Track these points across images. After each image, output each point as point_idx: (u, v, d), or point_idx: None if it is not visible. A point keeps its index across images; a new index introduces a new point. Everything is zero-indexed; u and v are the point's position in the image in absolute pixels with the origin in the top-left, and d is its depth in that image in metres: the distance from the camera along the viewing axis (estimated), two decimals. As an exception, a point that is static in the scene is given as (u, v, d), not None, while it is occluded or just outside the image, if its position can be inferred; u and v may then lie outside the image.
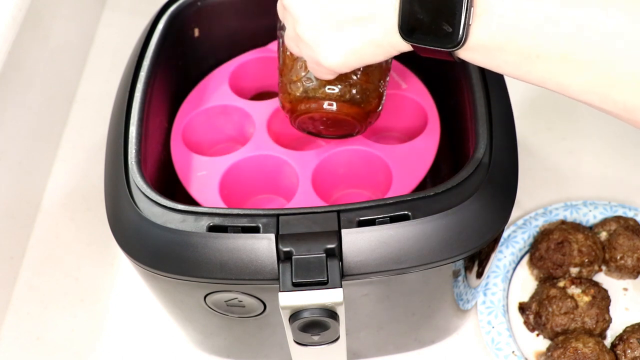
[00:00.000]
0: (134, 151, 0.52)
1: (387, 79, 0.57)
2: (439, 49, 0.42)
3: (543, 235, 0.69)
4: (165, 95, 0.63)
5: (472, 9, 0.39)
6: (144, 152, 0.53)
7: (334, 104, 0.55)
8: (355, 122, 0.57)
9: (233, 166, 0.60)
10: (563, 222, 0.71)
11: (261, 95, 0.71)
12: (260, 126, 0.63)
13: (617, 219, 0.70)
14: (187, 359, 0.67)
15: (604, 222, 0.70)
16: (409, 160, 0.60)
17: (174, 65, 0.64)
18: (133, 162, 0.52)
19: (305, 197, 0.58)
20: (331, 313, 0.45)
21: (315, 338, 0.48)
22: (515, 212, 0.72)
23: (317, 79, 0.54)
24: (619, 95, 0.38)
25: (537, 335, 0.66)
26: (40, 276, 0.73)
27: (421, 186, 0.59)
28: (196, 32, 0.67)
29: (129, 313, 0.70)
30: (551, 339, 0.64)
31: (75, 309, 0.70)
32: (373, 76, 0.55)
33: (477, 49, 0.41)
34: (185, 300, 0.52)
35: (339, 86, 0.54)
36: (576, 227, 0.69)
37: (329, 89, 0.54)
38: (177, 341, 0.68)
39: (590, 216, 0.72)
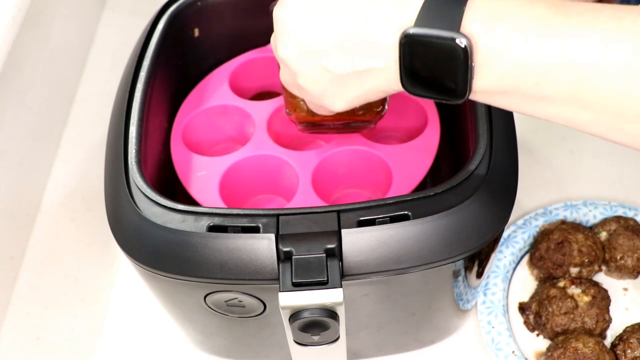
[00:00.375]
0: (134, 151, 0.52)
1: None
2: (443, 100, 0.42)
3: (543, 235, 0.69)
4: (165, 95, 0.63)
5: (472, 64, 0.39)
6: (144, 152, 0.53)
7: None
8: (363, 125, 0.58)
9: (233, 166, 0.60)
10: (563, 222, 0.71)
11: (261, 95, 0.71)
12: (260, 126, 0.63)
13: (617, 219, 0.70)
14: (187, 359, 0.67)
15: (604, 222, 0.70)
16: (409, 160, 0.60)
17: (174, 65, 0.64)
18: (133, 162, 0.52)
19: (305, 197, 0.58)
20: (331, 313, 0.45)
21: (315, 338, 0.48)
22: (515, 212, 0.72)
23: None
24: (629, 125, 0.38)
25: (537, 335, 0.66)
26: (40, 276, 0.73)
27: (421, 186, 0.59)
28: (196, 32, 0.67)
29: (129, 313, 0.70)
30: (551, 339, 0.64)
31: (75, 309, 0.70)
32: None
33: (480, 94, 0.41)
34: (185, 300, 0.52)
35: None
36: (576, 227, 0.69)
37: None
38: (177, 341, 0.68)
39: (590, 216, 0.72)
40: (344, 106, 0.46)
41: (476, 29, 0.39)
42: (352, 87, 0.44)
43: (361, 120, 0.56)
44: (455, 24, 0.39)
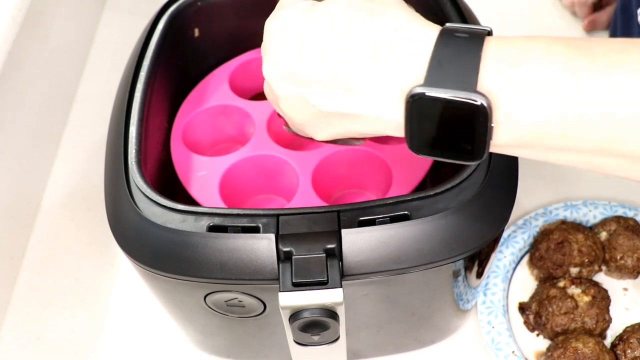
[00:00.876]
0: (134, 151, 0.52)
1: None
2: (457, 162, 0.38)
3: (543, 235, 0.69)
4: (165, 95, 0.63)
5: (492, 125, 0.35)
6: (144, 152, 0.53)
7: None
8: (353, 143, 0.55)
9: (233, 166, 0.60)
10: (563, 222, 0.71)
11: (261, 95, 0.70)
12: (260, 126, 0.63)
13: (617, 219, 0.70)
14: (187, 359, 0.67)
15: (604, 222, 0.70)
16: (409, 160, 0.60)
17: (174, 65, 0.64)
18: (133, 162, 0.52)
19: (305, 197, 0.58)
20: (331, 313, 0.45)
21: (315, 338, 0.48)
22: (515, 212, 0.72)
23: None
24: None
25: (537, 335, 0.66)
26: (40, 276, 0.73)
27: (421, 186, 0.59)
28: (196, 32, 0.67)
29: (129, 313, 0.70)
30: (551, 339, 0.64)
31: (75, 309, 0.70)
32: None
33: (499, 148, 0.37)
34: (185, 300, 0.52)
35: None
36: (576, 227, 0.69)
37: None
38: (177, 341, 0.68)
39: (590, 216, 0.72)
40: (327, 138, 0.43)
41: (494, 83, 0.35)
42: (336, 126, 0.40)
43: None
44: (471, 80, 0.35)
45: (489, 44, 0.36)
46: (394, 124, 0.38)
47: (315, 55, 0.38)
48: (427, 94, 0.35)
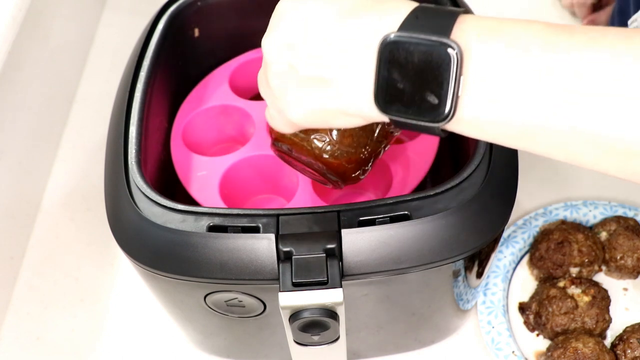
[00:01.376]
0: (134, 151, 0.52)
1: (380, 147, 0.52)
2: (422, 123, 0.37)
3: (543, 235, 0.69)
4: (165, 95, 0.63)
5: (461, 77, 0.34)
6: (144, 152, 0.53)
7: (307, 154, 0.51)
8: (331, 178, 0.53)
9: (233, 166, 0.60)
10: (563, 222, 0.71)
11: (261, 95, 0.71)
12: (260, 126, 0.63)
13: (617, 219, 0.70)
14: (187, 359, 0.67)
15: (604, 222, 0.70)
16: (409, 160, 0.60)
17: (174, 65, 0.64)
18: (133, 162, 0.52)
19: (305, 197, 0.58)
20: (331, 313, 0.45)
21: (315, 338, 0.48)
22: (515, 212, 0.71)
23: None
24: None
25: (537, 335, 0.66)
26: (40, 276, 0.73)
27: (421, 186, 0.59)
28: (196, 32, 0.67)
29: (129, 313, 0.70)
30: (551, 339, 0.64)
31: (75, 309, 0.70)
32: (355, 138, 0.50)
33: (468, 123, 0.36)
34: (185, 300, 0.52)
35: (314, 136, 0.50)
36: (576, 227, 0.69)
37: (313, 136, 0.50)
38: (177, 341, 0.68)
39: (590, 216, 0.72)
40: (301, 117, 0.42)
41: (468, 39, 0.34)
42: (313, 96, 0.40)
43: (326, 166, 0.51)
44: (445, 30, 0.34)
45: (464, 14, 0.36)
46: (366, 88, 0.37)
47: (305, 21, 0.40)
48: (399, 38, 0.35)
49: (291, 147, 0.51)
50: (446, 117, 0.35)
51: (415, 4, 0.37)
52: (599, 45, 0.32)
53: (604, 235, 0.70)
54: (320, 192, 0.58)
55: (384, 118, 0.38)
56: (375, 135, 0.51)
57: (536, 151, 0.36)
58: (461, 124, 0.36)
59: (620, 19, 0.80)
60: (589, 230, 0.69)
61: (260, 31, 0.69)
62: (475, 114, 0.35)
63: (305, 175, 0.56)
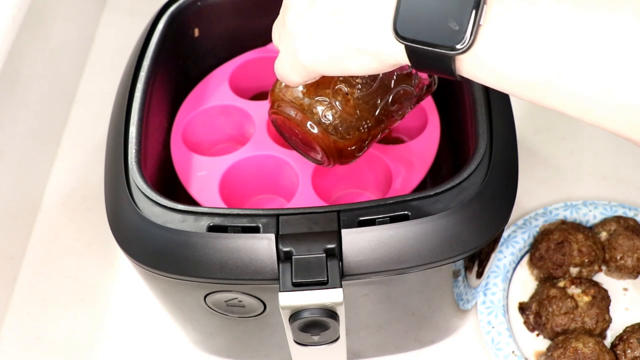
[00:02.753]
0: (134, 151, 0.52)
1: (379, 128, 0.52)
2: (439, 50, 0.36)
3: (543, 235, 0.69)
4: (165, 95, 0.63)
5: (485, 5, 0.34)
6: (144, 152, 0.53)
7: (306, 120, 0.51)
8: (321, 150, 0.52)
9: (233, 166, 0.60)
10: (563, 222, 0.71)
11: (261, 95, 0.71)
12: (260, 126, 0.63)
13: (617, 219, 0.70)
14: (187, 359, 0.67)
15: (604, 222, 0.70)
16: (409, 160, 0.60)
17: (174, 65, 0.64)
18: (133, 162, 0.52)
19: (305, 197, 0.58)
20: (331, 313, 0.45)
21: (315, 338, 0.48)
22: (515, 212, 0.71)
23: (305, 87, 0.50)
24: None
25: (537, 335, 0.66)
26: (40, 276, 0.73)
27: (421, 186, 0.59)
28: (196, 32, 0.67)
29: (129, 313, 0.70)
30: (551, 339, 0.64)
31: (75, 309, 0.70)
32: (358, 109, 0.50)
33: (484, 62, 0.36)
34: (185, 300, 0.52)
35: (317, 99, 0.50)
36: (576, 227, 0.69)
37: (305, 96, 0.50)
38: (177, 341, 0.68)
39: (590, 216, 0.72)
40: (315, 57, 0.41)
41: None
42: (331, 31, 0.39)
43: (322, 138, 0.51)
44: None
45: None
46: (384, 18, 0.37)
47: None
48: None
49: (292, 110, 0.51)
50: (464, 44, 0.35)
51: None
52: (626, 6, 0.32)
53: (604, 235, 0.70)
54: (320, 192, 0.58)
55: (401, 51, 0.37)
56: (377, 112, 0.50)
57: (547, 103, 0.35)
58: (477, 63, 0.36)
59: None
60: (589, 230, 0.69)
61: (260, 31, 0.70)
62: (492, 52, 0.35)
63: (298, 151, 0.56)
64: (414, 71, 0.52)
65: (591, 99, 0.34)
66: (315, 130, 0.51)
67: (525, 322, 0.66)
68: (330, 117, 0.50)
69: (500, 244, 0.60)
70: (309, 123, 0.51)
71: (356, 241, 0.46)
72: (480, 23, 0.34)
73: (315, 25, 0.40)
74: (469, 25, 0.35)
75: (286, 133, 0.55)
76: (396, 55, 0.38)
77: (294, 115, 0.51)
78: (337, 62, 0.41)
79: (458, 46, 0.35)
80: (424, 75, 0.53)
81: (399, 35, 0.37)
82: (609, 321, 0.64)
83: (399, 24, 0.37)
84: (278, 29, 0.45)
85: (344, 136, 0.51)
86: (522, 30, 0.34)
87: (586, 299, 0.64)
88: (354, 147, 0.52)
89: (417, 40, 0.37)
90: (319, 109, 0.50)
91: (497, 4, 0.34)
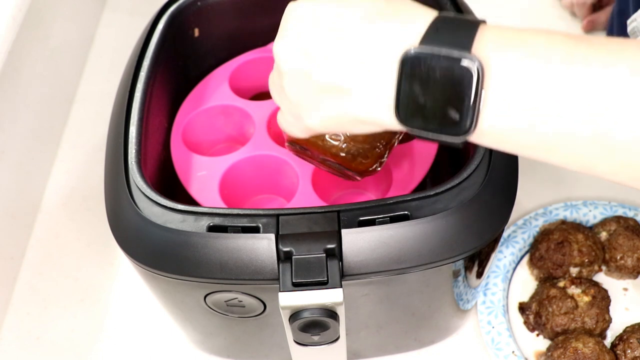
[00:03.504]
0: (134, 151, 0.52)
1: (393, 140, 0.52)
2: (443, 138, 0.37)
3: (543, 235, 0.69)
4: (165, 95, 0.63)
5: (482, 91, 0.34)
6: (144, 152, 0.53)
7: (324, 154, 0.52)
8: (347, 173, 0.53)
9: (233, 166, 0.60)
10: (563, 222, 0.71)
11: (261, 95, 0.71)
12: (260, 126, 0.63)
13: (617, 219, 0.70)
14: (187, 359, 0.67)
15: (604, 222, 0.70)
16: (409, 160, 0.60)
17: (174, 65, 0.64)
18: (133, 162, 0.52)
19: (305, 197, 0.58)
20: (331, 313, 0.45)
21: (315, 338, 0.48)
22: (515, 212, 0.71)
23: None
24: None
25: (537, 335, 0.66)
26: (40, 276, 0.73)
27: (421, 186, 0.59)
28: (196, 32, 0.67)
29: (129, 313, 0.70)
30: (551, 339, 0.64)
31: (75, 309, 0.70)
32: (369, 136, 0.51)
33: (488, 134, 0.36)
34: (185, 300, 0.52)
35: (330, 136, 0.51)
36: (576, 227, 0.69)
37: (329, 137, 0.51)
38: (177, 341, 0.68)
39: (590, 216, 0.72)
40: (318, 124, 0.42)
41: (489, 51, 0.34)
42: (331, 104, 0.40)
43: (342, 164, 0.52)
44: (465, 44, 0.35)
45: (484, 25, 0.36)
46: (386, 98, 0.38)
47: (324, 28, 0.39)
48: (420, 51, 0.35)
49: (306, 146, 0.52)
50: (467, 132, 0.36)
51: (435, 13, 0.38)
52: (618, 59, 0.33)
53: (604, 235, 0.70)
54: (320, 192, 0.58)
55: (403, 128, 0.38)
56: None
57: (553, 161, 0.36)
58: (481, 136, 0.36)
59: (619, 20, 0.80)
60: (589, 230, 0.69)
61: (260, 31, 0.70)
62: (495, 126, 0.35)
63: (322, 169, 0.56)
64: None
65: (592, 159, 0.35)
66: (334, 161, 0.52)
67: (525, 322, 0.66)
68: (345, 147, 0.51)
69: (500, 244, 0.60)
70: (325, 156, 0.52)
71: (356, 241, 0.46)
72: (481, 108, 0.35)
73: (316, 99, 0.41)
74: (469, 113, 0.35)
75: (307, 159, 0.56)
76: (400, 128, 0.39)
77: (309, 153, 0.53)
78: (341, 128, 0.42)
79: (460, 133, 0.36)
80: None
81: (402, 122, 0.38)
82: (609, 321, 0.64)
83: (400, 111, 0.37)
84: (276, 89, 0.45)
85: (362, 160, 0.52)
86: (521, 103, 0.34)
87: (586, 299, 0.64)
88: (375, 165, 0.53)
89: (420, 129, 0.37)
90: (334, 142, 0.51)
91: (494, 83, 0.35)
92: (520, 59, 0.34)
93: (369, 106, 0.39)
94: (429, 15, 0.37)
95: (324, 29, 0.40)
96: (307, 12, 0.41)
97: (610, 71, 0.33)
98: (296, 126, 0.45)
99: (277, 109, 0.63)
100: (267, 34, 0.69)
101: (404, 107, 0.37)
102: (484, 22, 0.37)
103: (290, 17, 0.42)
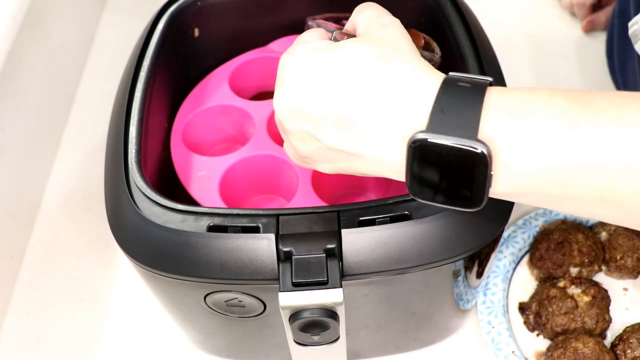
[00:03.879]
0: (134, 151, 0.52)
1: None
2: (455, 208, 0.39)
3: (543, 235, 0.69)
4: (165, 95, 0.63)
5: (491, 173, 0.36)
6: (144, 152, 0.53)
7: None
8: None
9: (233, 166, 0.60)
10: (563, 222, 0.71)
11: (261, 95, 0.71)
12: (260, 126, 0.63)
13: (617, 219, 0.70)
14: (187, 359, 0.67)
15: (604, 222, 0.70)
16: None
17: (174, 65, 0.64)
18: (133, 162, 0.52)
19: (305, 197, 0.58)
20: (331, 313, 0.45)
21: (315, 338, 0.48)
22: (515, 212, 0.72)
23: None
24: None
25: (537, 335, 0.66)
26: (40, 276, 0.73)
27: (421, 186, 0.59)
28: (196, 32, 0.67)
29: (129, 313, 0.70)
30: (551, 339, 0.64)
31: (75, 309, 0.70)
32: None
33: (499, 196, 0.38)
34: (185, 300, 0.52)
35: None
36: (576, 227, 0.69)
37: None
38: (177, 341, 0.68)
39: (590, 216, 0.72)
40: (330, 172, 0.43)
41: (495, 132, 0.36)
42: (340, 162, 0.41)
43: None
44: (472, 128, 0.36)
45: (490, 93, 0.37)
46: (396, 166, 0.39)
47: (325, 96, 0.40)
48: (428, 140, 0.36)
49: None
50: (478, 205, 0.38)
51: (437, 78, 0.38)
52: (621, 123, 0.34)
53: (604, 235, 0.70)
54: (320, 192, 0.58)
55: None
56: None
57: (561, 212, 0.39)
58: (493, 196, 0.38)
59: (620, 20, 0.80)
60: (589, 230, 0.69)
61: (260, 31, 0.70)
62: (505, 192, 0.37)
63: None
64: None
65: (597, 213, 0.37)
66: None
67: (525, 322, 0.66)
68: None
69: (500, 244, 0.60)
70: None
71: (356, 241, 0.46)
72: (490, 185, 0.37)
73: (326, 156, 0.42)
74: (479, 192, 0.37)
75: None
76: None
77: None
78: (353, 173, 0.43)
79: (471, 207, 0.38)
80: None
81: (414, 194, 0.39)
82: (609, 321, 0.64)
83: (412, 187, 0.39)
84: (282, 134, 0.45)
85: None
86: (528, 175, 0.36)
87: (586, 299, 0.64)
88: None
89: (432, 201, 0.39)
90: None
91: (503, 162, 0.36)
92: (524, 137, 0.35)
93: (380, 170, 0.40)
94: (431, 87, 0.38)
95: (322, 87, 0.40)
96: (302, 66, 0.41)
97: (611, 142, 0.34)
98: (305, 165, 0.46)
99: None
100: (267, 34, 0.69)
101: (416, 184, 0.38)
102: (488, 84, 0.37)
103: (284, 68, 0.42)
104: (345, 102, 0.39)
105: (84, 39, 0.93)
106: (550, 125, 0.35)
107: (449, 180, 0.37)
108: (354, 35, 0.45)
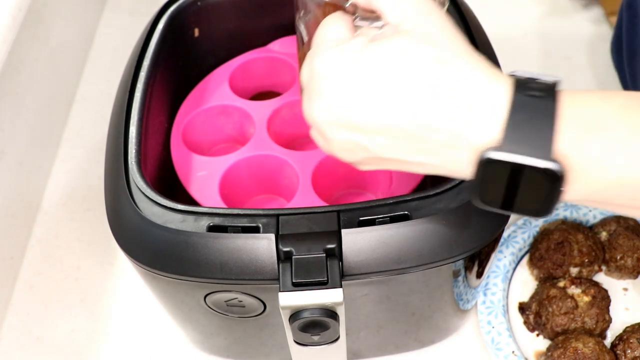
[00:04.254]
0: (134, 151, 0.52)
1: None
2: (522, 215, 0.38)
3: (543, 235, 0.69)
4: (165, 95, 0.63)
5: (563, 188, 0.35)
6: (144, 152, 0.53)
7: None
8: None
9: (233, 166, 0.60)
10: (563, 222, 0.71)
11: (261, 95, 0.71)
12: (260, 126, 0.63)
13: (617, 219, 0.70)
14: (187, 359, 0.67)
15: (604, 222, 0.70)
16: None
17: (174, 65, 0.64)
18: (133, 162, 0.52)
19: (305, 197, 0.58)
20: (331, 313, 0.45)
21: (315, 338, 0.48)
22: (515, 212, 0.71)
23: None
24: None
25: (537, 335, 0.66)
26: (40, 276, 0.73)
27: (421, 186, 0.59)
28: (196, 32, 0.67)
29: (129, 313, 0.70)
30: (551, 339, 0.64)
31: (75, 309, 0.70)
32: None
33: (563, 201, 0.37)
34: (185, 300, 0.52)
35: None
36: (576, 227, 0.69)
37: None
38: (177, 341, 0.68)
39: (590, 216, 0.72)
40: (372, 169, 0.42)
41: (569, 149, 0.34)
42: (393, 166, 0.39)
43: None
44: (546, 146, 0.34)
45: (563, 104, 0.35)
46: (461, 173, 0.37)
47: (376, 106, 0.36)
48: (503, 159, 0.34)
49: None
50: (544, 215, 0.37)
51: (504, 94, 0.35)
52: None
53: (604, 235, 0.70)
54: (320, 192, 0.58)
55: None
56: None
57: (623, 214, 0.38)
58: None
59: (628, 14, 0.79)
60: (589, 230, 0.69)
61: (260, 31, 0.69)
62: (571, 200, 0.37)
63: None
64: None
65: None
66: None
67: (525, 322, 0.66)
68: None
69: (500, 244, 0.60)
70: None
71: (356, 241, 0.46)
72: (561, 199, 0.36)
73: (376, 162, 0.40)
74: (549, 205, 0.36)
75: None
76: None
77: None
78: (413, 172, 0.41)
79: (539, 217, 0.37)
80: None
81: (476, 203, 0.38)
82: (609, 321, 0.64)
83: (475, 197, 0.37)
84: (331, 149, 0.42)
85: None
86: (598, 190, 0.35)
87: (586, 299, 0.63)
88: None
89: (497, 207, 0.38)
90: None
91: (575, 178, 0.35)
92: (599, 154, 0.34)
93: (440, 172, 0.38)
94: (500, 94, 0.35)
95: (372, 96, 0.36)
96: (343, 71, 0.36)
97: None
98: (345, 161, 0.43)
99: (277, 109, 0.64)
100: (267, 34, 0.69)
101: (483, 198, 0.37)
102: (555, 90, 0.35)
103: (319, 75, 0.37)
104: (401, 112, 0.35)
105: (84, 39, 0.93)
106: (625, 142, 0.34)
107: (519, 196, 0.36)
108: (375, 19, 0.40)
